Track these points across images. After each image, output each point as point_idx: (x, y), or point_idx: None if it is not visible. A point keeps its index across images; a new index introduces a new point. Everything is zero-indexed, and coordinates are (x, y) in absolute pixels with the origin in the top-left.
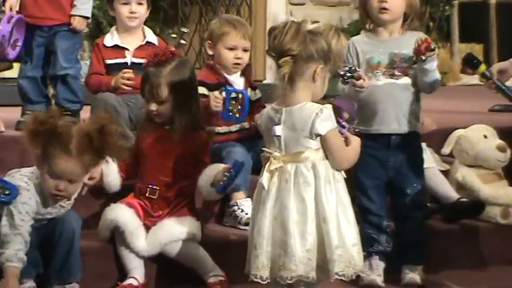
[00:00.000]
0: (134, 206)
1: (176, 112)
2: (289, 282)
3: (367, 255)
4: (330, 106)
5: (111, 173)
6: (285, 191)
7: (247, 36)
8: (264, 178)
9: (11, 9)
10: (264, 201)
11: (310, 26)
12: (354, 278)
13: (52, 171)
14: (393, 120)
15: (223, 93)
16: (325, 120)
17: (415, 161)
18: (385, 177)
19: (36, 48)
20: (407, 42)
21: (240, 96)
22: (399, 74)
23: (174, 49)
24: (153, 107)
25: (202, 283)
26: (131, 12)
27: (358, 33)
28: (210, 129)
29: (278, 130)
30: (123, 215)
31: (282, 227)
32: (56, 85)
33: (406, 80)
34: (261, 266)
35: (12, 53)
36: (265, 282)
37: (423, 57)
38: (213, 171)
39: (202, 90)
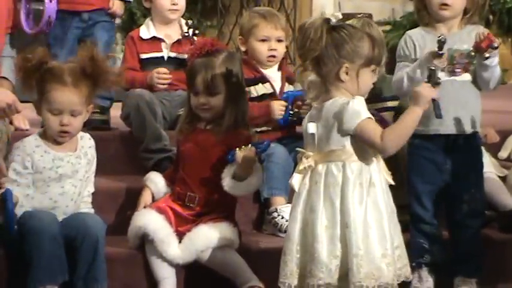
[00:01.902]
0: (165, 212)
1: (228, 105)
2: None
3: (417, 266)
4: (360, 98)
5: (157, 182)
6: (314, 193)
7: (279, 27)
8: (294, 179)
9: None
10: (295, 204)
11: (334, 22)
12: None
13: (52, 106)
14: (452, 120)
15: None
16: (354, 113)
17: (474, 165)
18: (441, 182)
19: (71, 41)
20: (467, 37)
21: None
22: (459, 70)
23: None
24: (205, 99)
25: None
26: (173, 4)
27: (411, 27)
28: (252, 130)
29: (311, 127)
30: (153, 221)
31: (311, 232)
32: None
33: (467, 77)
34: (289, 273)
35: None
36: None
37: (486, 55)
38: None
39: None
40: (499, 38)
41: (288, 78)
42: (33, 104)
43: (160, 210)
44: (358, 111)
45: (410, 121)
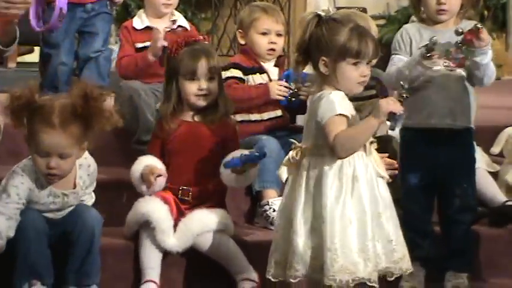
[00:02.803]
0: (169, 202)
1: (220, 93)
2: (293, 281)
3: None
4: (337, 92)
5: (135, 173)
6: (298, 185)
7: (280, 21)
8: (280, 170)
9: None
10: (283, 196)
11: (323, 16)
12: (351, 286)
13: (39, 148)
14: (446, 114)
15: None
16: (326, 107)
17: (467, 160)
18: (434, 176)
19: (73, 32)
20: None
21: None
22: (454, 65)
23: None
24: (205, 84)
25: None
26: None
27: (406, 21)
28: (234, 119)
29: (299, 120)
30: (158, 210)
31: (292, 224)
32: (83, 69)
33: (461, 73)
34: (274, 264)
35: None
36: (276, 280)
37: (473, 49)
38: (236, 154)
39: (237, 73)
40: (493, 34)
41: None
42: (25, 140)
43: (165, 200)
44: (330, 106)
45: (364, 130)
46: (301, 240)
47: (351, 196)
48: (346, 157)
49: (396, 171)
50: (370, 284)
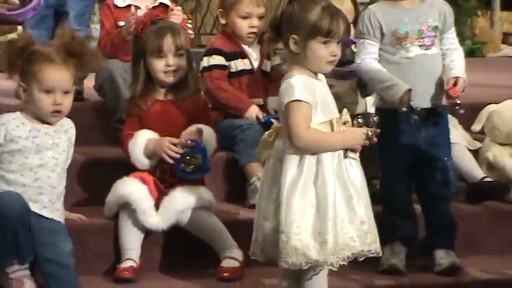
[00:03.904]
0: (148, 182)
1: (189, 69)
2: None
3: (389, 240)
4: (299, 77)
5: (136, 148)
6: (268, 166)
7: (261, 3)
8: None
9: None
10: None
11: None
12: (304, 268)
13: (44, 85)
14: (427, 94)
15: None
16: (287, 90)
17: (446, 135)
18: (416, 153)
19: (44, 10)
20: (430, 10)
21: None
22: (429, 44)
23: None
24: (172, 60)
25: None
26: None
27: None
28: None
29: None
30: (137, 191)
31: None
32: None
33: (436, 50)
34: (255, 242)
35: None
36: (260, 259)
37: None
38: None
39: (220, 60)
40: (479, 11)
41: (267, 54)
42: (18, 90)
43: (144, 180)
44: (289, 90)
45: (330, 144)
46: (267, 222)
47: (313, 179)
48: (303, 148)
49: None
50: (328, 267)
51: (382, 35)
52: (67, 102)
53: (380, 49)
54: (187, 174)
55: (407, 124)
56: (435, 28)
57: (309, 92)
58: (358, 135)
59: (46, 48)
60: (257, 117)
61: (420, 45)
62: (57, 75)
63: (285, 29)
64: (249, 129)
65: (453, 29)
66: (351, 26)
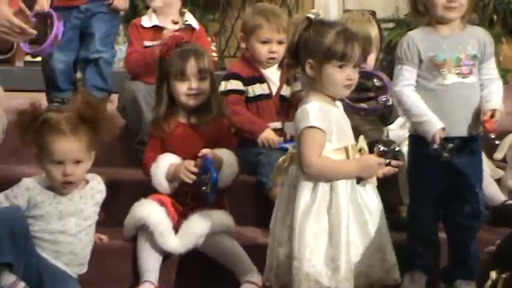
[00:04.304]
0: (166, 204)
1: (212, 92)
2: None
3: (410, 268)
4: (315, 103)
5: (159, 172)
6: (281, 191)
7: (281, 29)
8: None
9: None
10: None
11: (313, 19)
12: None
13: (53, 157)
14: (462, 123)
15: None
16: (301, 116)
17: (479, 165)
18: (447, 183)
19: (70, 31)
20: (470, 38)
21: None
22: (467, 72)
23: None
24: (195, 84)
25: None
26: None
27: (416, 25)
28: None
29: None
30: (155, 213)
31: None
32: (86, 69)
33: (474, 79)
34: (268, 267)
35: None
36: (274, 286)
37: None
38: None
39: (237, 84)
40: (503, 38)
41: (287, 79)
42: (35, 157)
43: (162, 203)
44: (305, 115)
45: (342, 172)
46: (281, 248)
47: (327, 206)
48: (313, 176)
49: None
50: None
51: (420, 61)
52: (79, 171)
53: (417, 75)
54: (210, 195)
55: (439, 153)
56: (474, 57)
57: (324, 118)
58: (372, 163)
59: (56, 117)
60: (269, 143)
61: (457, 73)
62: (67, 146)
63: (301, 54)
64: (273, 152)
65: (493, 59)
66: (374, 52)
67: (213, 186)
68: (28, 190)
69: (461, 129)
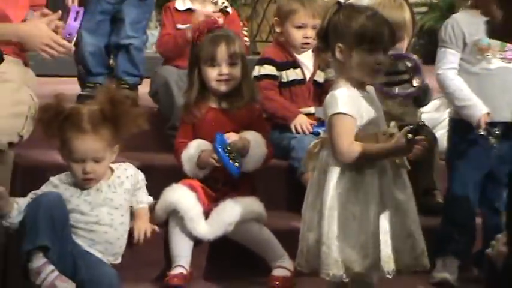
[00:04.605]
0: (196, 189)
1: (244, 78)
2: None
3: (442, 253)
4: (343, 89)
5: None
6: (312, 177)
7: (316, 14)
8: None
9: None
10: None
11: (343, 3)
12: (346, 280)
13: (73, 155)
14: (505, 108)
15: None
16: (330, 102)
17: None
18: (487, 168)
19: (100, 15)
20: None
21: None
22: (511, 57)
23: None
24: (226, 69)
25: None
26: None
27: (448, 9)
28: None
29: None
30: (185, 198)
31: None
32: (118, 55)
33: None
34: (299, 253)
35: None
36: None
37: None
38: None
39: (270, 69)
40: None
41: (320, 65)
42: (58, 151)
43: (192, 188)
44: (334, 101)
45: (373, 155)
46: (311, 234)
47: (356, 191)
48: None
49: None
50: (368, 281)
51: (464, 44)
52: (99, 169)
53: (461, 59)
54: (236, 168)
55: (481, 137)
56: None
57: (353, 104)
58: (404, 146)
59: (79, 113)
60: (302, 128)
61: (502, 58)
62: (87, 145)
63: (331, 38)
64: (305, 137)
65: None
66: (406, 38)
67: (223, 159)
68: (56, 187)
69: (503, 114)
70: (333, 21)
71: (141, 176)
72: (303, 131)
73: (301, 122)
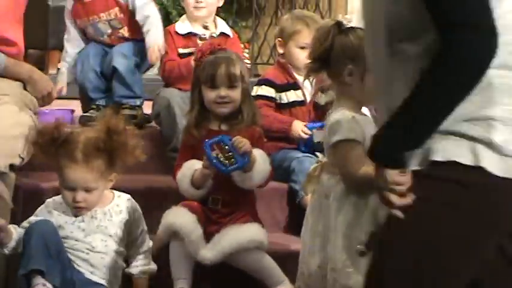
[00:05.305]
0: (197, 211)
1: (244, 100)
2: None
3: None
4: (348, 113)
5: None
6: (312, 200)
7: None
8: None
9: None
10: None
11: (345, 24)
12: None
13: (65, 183)
14: None
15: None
16: (333, 127)
17: None
18: None
19: (95, 47)
20: None
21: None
22: None
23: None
24: (224, 92)
25: None
26: (197, 2)
27: None
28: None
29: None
30: (185, 221)
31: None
32: (112, 81)
33: None
34: (299, 276)
35: None
36: None
37: None
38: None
39: (268, 91)
40: None
41: (321, 87)
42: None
43: (193, 210)
44: (339, 127)
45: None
46: (313, 258)
47: (361, 215)
48: None
49: None
50: None
51: None
52: (91, 198)
53: None
54: (223, 165)
55: None
56: None
57: (357, 128)
58: None
59: (74, 140)
60: (301, 135)
61: None
62: (78, 174)
63: (337, 59)
64: (306, 160)
65: None
66: None
67: (208, 157)
68: (50, 213)
69: None
70: (342, 42)
71: (134, 214)
72: (304, 136)
73: (297, 129)
